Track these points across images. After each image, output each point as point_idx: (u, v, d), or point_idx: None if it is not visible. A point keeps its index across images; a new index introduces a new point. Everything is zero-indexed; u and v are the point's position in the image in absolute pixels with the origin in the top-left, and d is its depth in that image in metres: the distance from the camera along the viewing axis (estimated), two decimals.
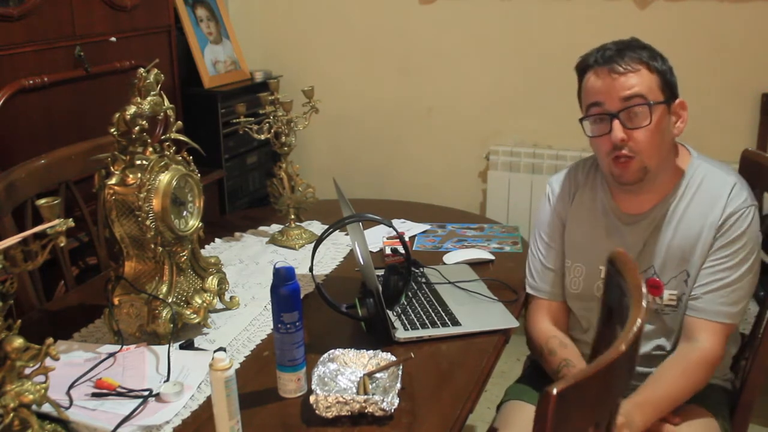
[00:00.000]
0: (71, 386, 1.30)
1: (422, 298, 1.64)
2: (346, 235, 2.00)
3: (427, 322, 1.52)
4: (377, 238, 1.97)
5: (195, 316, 1.50)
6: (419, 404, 1.26)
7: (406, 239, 1.68)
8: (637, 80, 1.44)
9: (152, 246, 1.45)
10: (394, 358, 1.32)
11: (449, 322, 1.52)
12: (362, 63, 3.21)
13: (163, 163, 1.47)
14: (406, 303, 1.61)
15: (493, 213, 2.95)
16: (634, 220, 1.55)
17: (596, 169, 1.62)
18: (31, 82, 2.15)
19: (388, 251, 1.88)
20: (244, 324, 1.56)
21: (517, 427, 1.53)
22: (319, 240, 1.49)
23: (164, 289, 1.47)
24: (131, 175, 1.43)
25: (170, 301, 1.47)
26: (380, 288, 1.45)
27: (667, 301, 1.52)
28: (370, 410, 1.19)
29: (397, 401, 1.19)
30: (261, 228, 2.13)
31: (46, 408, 1.16)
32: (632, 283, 1.06)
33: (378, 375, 1.31)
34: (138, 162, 1.44)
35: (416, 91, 3.14)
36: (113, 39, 2.43)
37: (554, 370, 1.54)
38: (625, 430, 1.35)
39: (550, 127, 2.91)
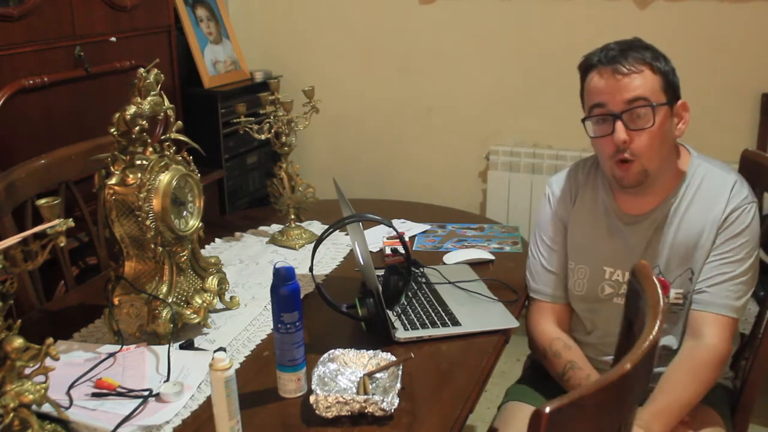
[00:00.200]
0: (71, 386, 1.30)
1: (422, 298, 1.64)
2: (346, 235, 2.00)
3: (427, 322, 1.52)
4: (377, 238, 1.97)
5: (195, 316, 1.50)
6: (419, 404, 1.26)
7: (406, 239, 1.68)
8: (641, 82, 1.44)
9: (152, 246, 1.45)
10: (394, 358, 1.32)
11: (449, 322, 1.52)
12: (362, 63, 3.21)
13: (163, 163, 1.47)
14: (406, 303, 1.61)
15: (493, 213, 2.95)
16: (636, 220, 1.55)
17: (597, 169, 1.62)
18: (31, 82, 2.15)
19: (388, 251, 1.88)
20: (244, 324, 1.56)
21: (517, 428, 1.53)
22: (319, 240, 1.49)
23: (164, 289, 1.47)
24: (131, 175, 1.42)
25: (170, 301, 1.47)
26: (380, 288, 1.45)
27: (673, 299, 1.52)
28: (370, 410, 1.19)
29: (397, 401, 1.19)
30: (261, 228, 2.13)
31: (46, 408, 1.16)
32: (651, 298, 1.04)
33: (378, 375, 1.31)
34: (138, 162, 1.44)
35: (416, 91, 3.14)
36: (113, 39, 2.43)
37: (559, 372, 1.54)
38: None
39: (550, 127, 2.91)
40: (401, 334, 1.46)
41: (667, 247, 1.51)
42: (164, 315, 1.44)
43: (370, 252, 1.77)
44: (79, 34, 2.32)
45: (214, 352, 1.26)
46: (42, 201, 1.15)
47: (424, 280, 1.74)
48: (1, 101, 2.06)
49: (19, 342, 1.07)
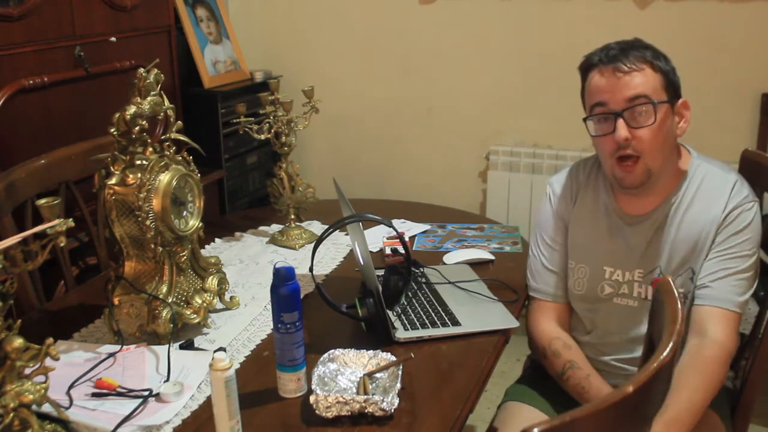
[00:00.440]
0: (71, 386, 1.30)
1: (422, 298, 1.64)
2: (346, 235, 2.00)
3: (427, 322, 1.52)
4: (377, 238, 1.97)
5: (195, 316, 1.50)
6: (419, 404, 1.26)
7: (406, 239, 1.68)
8: (642, 79, 1.44)
9: (152, 246, 1.45)
10: (394, 358, 1.32)
11: (449, 322, 1.52)
12: (362, 63, 3.21)
13: (163, 163, 1.47)
14: (406, 303, 1.61)
15: (493, 213, 2.95)
16: (637, 220, 1.55)
17: (598, 169, 1.62)
18: (31, 82, 2.15)
19: (388, 251, 1.88)
20: (244, 324, 1.56)
21: (516, 428, 1.53)
22: (319, 240, 1.49)
23: (164, 289, 1.47)
24: (131, 175, 1.42)
25: (170, 301, 1.47)
26: (380, 288, 1.45)
27: None
28: (370, 410, 1.19)
29: (397, 401, 1.19)
30: (261, 228, 2.13)
31: (46, 408, 1.16)
32: (670, 315, 1.00)
33: (378, 375, 1.31)
34: (138, 162, 1.44)
35: (416, 91, 3.14)
36: (113, 39, 2.43)
37: (558, 372, 1.54)
38: None
39: (550, 127, 2.91)
40: (401, 334, 1.46)
41: (668, 247, 1.51)
42: (164, 315, 1.44)
43: (370, 252, 1.77)
44: (79, 34, 2.32)
45: (214, 352, 1.26)
46: (42, 201, 1.15)
47: (424, 280, 1.74)
48: (1, 101, 2.06)
49: (19, 342, 1.07)
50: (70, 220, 1.16)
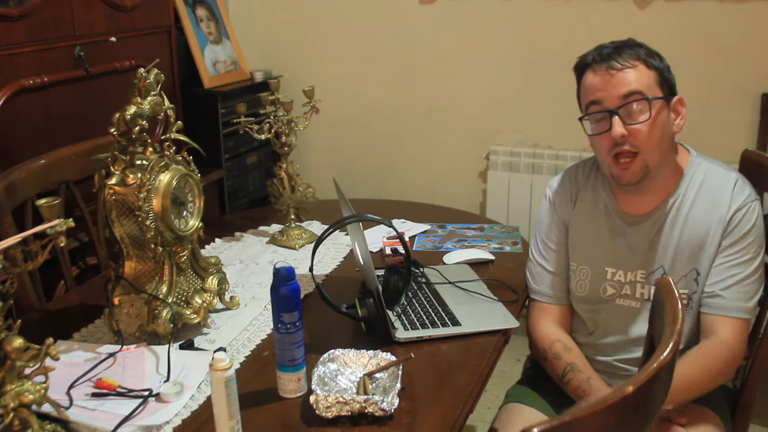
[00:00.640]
0: (71, 386, 1.30)
1: (422, 298, 1.64)
2: (346, 235, 2.00)
3: (427, 322, 1.52)
4: (377, 238, 1.97)
5: (195, 316, 1.50)
6: (419, 404, 1.26)
7: (406, 239, 1.68)
8: (635, 76, 1.44)
9: (152, 246, 1.45)
10: (394, 358, 1.32)
11: (449, 322, 1.52)
12: (362, 63, 3.21)
13: (163, 163, 1.47)
14: (406, 303, 1.61)
15: (493, 213, 2.95)
16: (638, 220, 1.55)
17: (597, 170, 1.62)
18: (31, 82, 2.15)
19: (388, 251, 1.88)
20: (244, 324, 1.56)
21: (517, 429, 1.53)
22: (319, 240, 1.49)
23: (164, 289, 1.47)
24: (131, 175, 1.42)
25: (170, 301, 1.47)
26: (380, 288, 1.45)
27: None
28: (370, 410, 1.19)
29: (397, 401, 1.19)
30: (261, 228, 2.13)
31: (46, 408, 1.16)
32: (671, 314, 1.00)
33: (378, 375, 1.30)
34: (138, 162, 1.44)
35: (416, 91, 3.14)
36: (113, 39, 2.43)
37: (559, 374, 1.54)
38: None
39: (550, 127, 2.91)
40: (401, 334, 1.46)
41: (672, 248, 1.51)
42: (164, 315, 1.44)
43: (370, 252, 1.77)
44: (79, 34, 2.32)
45: (214, 352, 1.26)
46: (42, 201, 1.15)
47: (424, 280, 1.74)
48: (1, 101, 2.06)
49: (19, 342, 1.07)
50: (70, 220, 1.16)
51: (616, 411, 0.83)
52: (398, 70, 3.16)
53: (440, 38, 3.05)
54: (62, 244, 1.15)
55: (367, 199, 2.53)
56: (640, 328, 1.55)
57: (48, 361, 1.11)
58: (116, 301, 1.47)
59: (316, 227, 2.10)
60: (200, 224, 1.54)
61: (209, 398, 1.21)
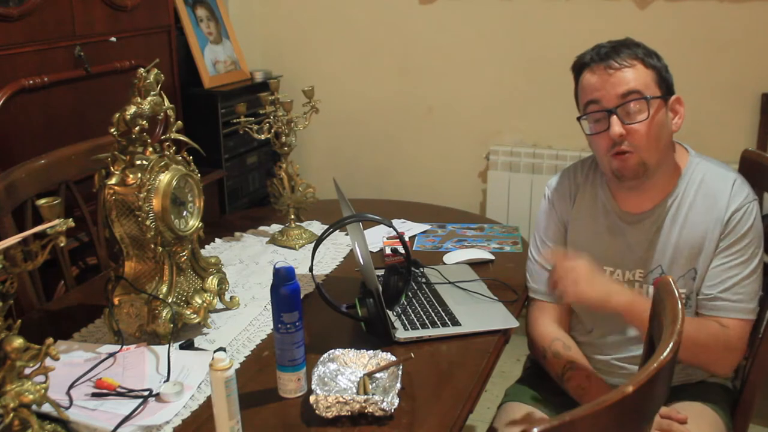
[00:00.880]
0: (71, 386, 1.30)
1: (422, 298, 1.64)
2: (346, 235, 2.00)
3: (427, 322, 1.52)
4: (377, 238, 1.97)
5: (195, 316, 1.50)
6: (419, 404, 1.26)
7: (406, 239, 1.68)
8: (633, 75, 1.44)
9: (152, 246, 1.45)
10: (394, 358, 1.32)
11: (449, 322, 1.52)
12: (362, 63, 3.21)
13: (163, 163, 1.47)
14: (406, 303, 1.61)
15: (493, 213, 2.95)
16: (637, 219, 1.55)
17: (595, 170, 1.62)
18: (31, 82, 2.15)
19: (388, 251, 1.88)
20: (244, 324, 1.56)
21: (515, 428, 1.53)
22: (319, 240, 1.49)
23: (164, 289, 1.47)
24: (131, 175, 1.42)
25: (170, 301, 1.47)
26: (380, 288, 1.45)
27: None
28: (370, 410, 1.19)
29: (397, 401, 1.19)
30: (261, 228, 2.13)
31: (46, 408, 1.16)
32: (671, 314, 1.00)
33: (378, 375, 1.31)
34: (138, 162, 1.44)
35: (416, 91, 3.14)
36: (113, 39, 2.43)
37: (558, 373, 1.54)
38: None
39: (550, 127, 2.91)
40: (401, 334, 1.46)
41: (670, 248, 1.51)
42: (164, 315, 1.44)
43: (370, 252, 1.77)
44: (79, 34, 2.32)
45: (214, 352, 1.26)
46: (42, 201, 1.15)
47: (424, 280, 1.74)
48: (1, 101, 2.06)
49: (19, 342, 1.07)
50: (70, 220, 1.16)
51: (616, 411, 0.83)
52: (398, 70, 3.16)
53: (440, 38, 3.05)
54: (62, 244, 1.15)
55: (367, 199, 2.53)
56: None
57: (48, 361, 1.11)
58: (116, 301, 1.47)
59: (316, 227, 2.10)
60: (200, 224, 1.54)
61: (209, 398, 1.21)
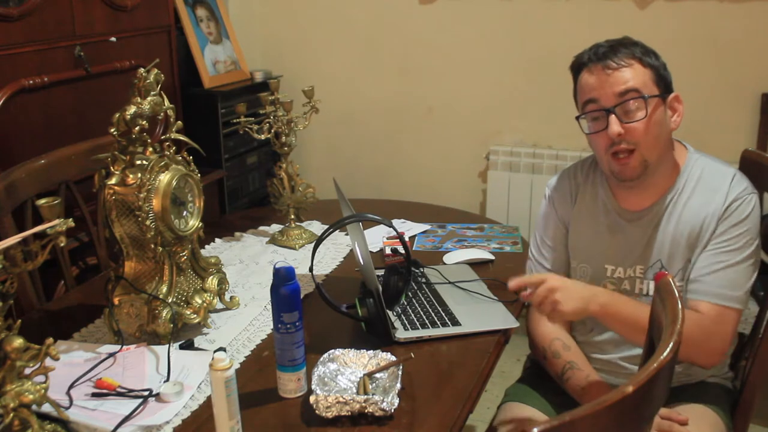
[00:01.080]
0: (71, 386, 1.30)
1: (422, 298, 1.64)
2: (346, 235, 2.00)
3: (427, 322, 1.52)
4: (377, 238, 1.97)
5: (195, 316, 1.50)
6: (419, 404, 1.26)
7: (406, 239, 1.68)
8: (631, 74, 1.44)
9: (152, 246, 1.45)
10: (394, 358, 1.32)
11: (449, 322, 1.52)
12: (362, 63, 3.21)
13: (163, 163, 1.47)
14: (406, 303, 1.61)
15: (493, 213, 2.95)
16: (637, 216, 1.55)
17: (595, 169, 1.62)
18: (31, 82, 2.15)
19: (388, 251, 1.88)
20: (244, 324, 1.56)
21: (515, 428, 1.53)
22: (319, 240, 1.49)
23: (164, 289, 1.47)
24: (131, 175, 1.42)
25: (170, 301, 1.47)
26: (380, 288, 1.45)
27: None
28: (370, 410, 1.19)
29: (397, 401, 1.19)
30: (261, 228, 2.13)
31: (46, 408, 1.16)
32: (671, 314, 0.99)
33: (378, 375, 1.31)
34: (138, 162, 1.44)
35: (416, 91, 3.14)
36: (113, 39, 2.43)
37: (558, 373, 1.54)
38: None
39: (550, 127, 2.91)
40: (401, 334, 1.46)
41: (668, 241, 1.51)
42: (164, 315, 1.44)
43: (370, 252, 1.77)
44: (79, 34, 2.32)
45: (214, 352, 1.26)
46: (42, 201, 1.15)
47: (424, 280, 1.74)
48: (1, 101, 2.06)
49: (19, 342, 1.07)
50: (70, 220, 1.16)
51: (616, 411, 0.83)
52: (398, 70, 3.16)
53: (440, 38, 3.05)
54: (62, 244, 1.15)
55: (367, 199, 2.53)
56: None
57: (48, 361, 1.11)
58: (116, 301, 1.47)
59: (316, 227, 2.10)
60: (200, 224, 1.54)
61: (209, 398, 1.21)
